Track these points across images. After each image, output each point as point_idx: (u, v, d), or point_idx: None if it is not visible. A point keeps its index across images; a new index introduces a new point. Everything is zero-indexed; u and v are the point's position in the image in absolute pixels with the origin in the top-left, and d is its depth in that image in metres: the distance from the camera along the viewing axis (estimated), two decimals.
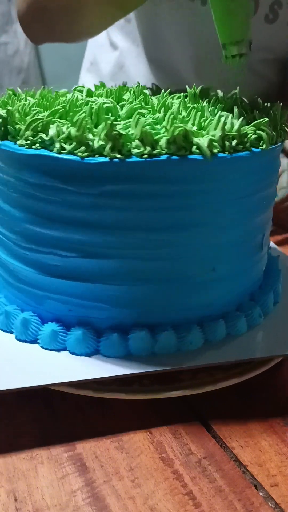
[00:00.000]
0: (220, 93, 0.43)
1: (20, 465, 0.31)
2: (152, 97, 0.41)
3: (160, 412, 0.35)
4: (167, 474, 0.31)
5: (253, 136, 0.33)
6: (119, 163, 0.30)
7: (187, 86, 0.42)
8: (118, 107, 0.37)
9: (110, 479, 0.30)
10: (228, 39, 0.37)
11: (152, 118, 0.34)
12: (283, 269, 0.45)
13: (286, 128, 0.37)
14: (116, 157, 0.30)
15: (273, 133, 0.34)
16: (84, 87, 0.44)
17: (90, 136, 0.31)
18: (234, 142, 0.32)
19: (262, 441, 0.33)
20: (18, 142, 0.33)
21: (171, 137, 0.30)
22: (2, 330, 0.38)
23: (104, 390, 0.33)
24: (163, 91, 0.42)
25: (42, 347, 0.36)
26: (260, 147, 0.33)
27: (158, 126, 0.33)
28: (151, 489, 0.30)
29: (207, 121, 0.33)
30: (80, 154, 0.31)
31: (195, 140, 0.31)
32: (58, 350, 0.36)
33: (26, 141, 0.32)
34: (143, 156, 0.30)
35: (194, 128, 0.33)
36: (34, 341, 0.36)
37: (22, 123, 0.33)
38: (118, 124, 0.32)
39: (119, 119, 0.34)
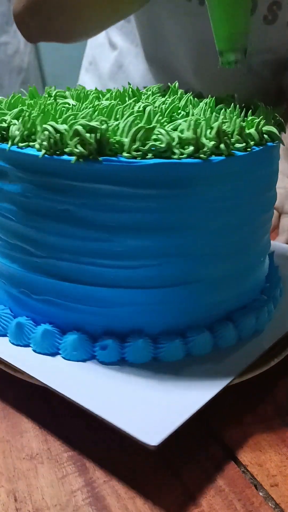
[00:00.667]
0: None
1: (20, 465, 0.31)
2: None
3: None
4: (167, 474, 0.31)
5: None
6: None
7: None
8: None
9: (110, 479, 0.30)
10: (225, 46, 0.37)
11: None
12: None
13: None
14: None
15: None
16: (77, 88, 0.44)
17: (203, 139, 0.31)
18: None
19: (262, 441, 0.33)
20: (125, 154, 0.30)
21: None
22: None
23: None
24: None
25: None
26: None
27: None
28: (151, 489, 0.30)
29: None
30: (200, 155, 0.31)
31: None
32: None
33: (136, 152, 0.30)
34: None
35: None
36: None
37: (123, 136, 0.31)
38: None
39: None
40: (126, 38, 0.73)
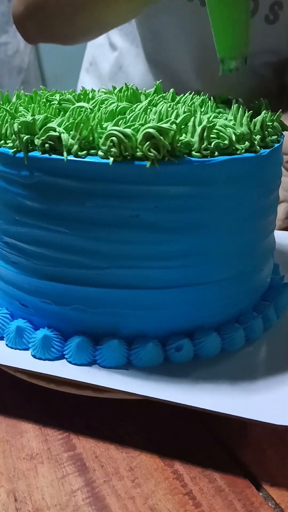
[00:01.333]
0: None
1: (20, 465, 0.31)
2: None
3: (159, 413, 0.35)
4: (167, 474, 0.31)
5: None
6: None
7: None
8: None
9: (110, 479, 0.30)
10: (226, 54, 0.38)
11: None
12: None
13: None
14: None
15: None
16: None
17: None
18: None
19: (262, 441, 0.33)
20: (196, 154, 0.31)
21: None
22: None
23: (104, 390, 0.33)
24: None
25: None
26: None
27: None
28: (151, 489, 0.30)
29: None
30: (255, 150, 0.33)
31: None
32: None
33: (205, 151, 0.31)
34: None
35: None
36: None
37: (192, 136, 0.31)
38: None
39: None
40: (127, 39, 0.73)
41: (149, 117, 0.33)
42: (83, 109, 0.34)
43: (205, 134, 0.31)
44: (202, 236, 0.33)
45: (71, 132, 0.31)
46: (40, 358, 0.34)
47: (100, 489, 0.30)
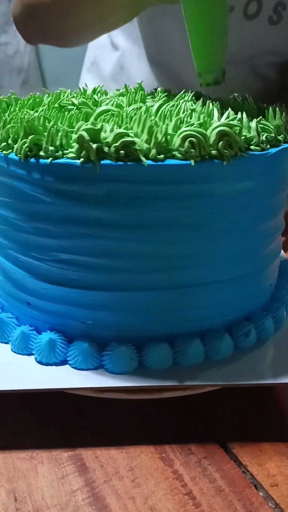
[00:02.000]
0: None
1: (20, 465, 0.31)
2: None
3: (160, 413, 0.35)
4: (167, 474, 0.31)
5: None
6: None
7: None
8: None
9: (110, 479, 0.30)
10: (204, 68, 0.39)
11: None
12: None
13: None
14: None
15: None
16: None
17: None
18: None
19: (262, 441, 0.33)
20: (255, 147, 0.32)
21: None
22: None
23: (104, 390, 0.33)
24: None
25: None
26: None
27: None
28: (151, 489, 0.30)
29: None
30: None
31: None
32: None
33: (262, 144, 0.33)
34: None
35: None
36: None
37: (249, 132, 0.33)
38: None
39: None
40: (129, 39, 0.73)
41: (192, 117, 0.34)
42: (116, 113, 0.34)
43: (259, 128, 0.33)
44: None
45: (142, 137, 0.30)
46: (112, 372, 0.34)
47: (100, 489, 0.30)
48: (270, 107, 0.36)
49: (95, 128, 0.30)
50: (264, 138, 0.33)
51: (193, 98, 0.41)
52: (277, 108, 0.36)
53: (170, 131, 0.31)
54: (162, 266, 0.33)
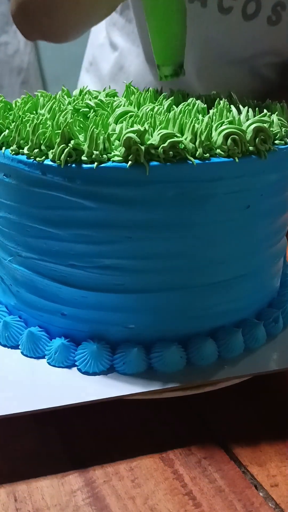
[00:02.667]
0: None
1: (20, 465, 0.31)
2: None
3: (160, 413, 0.35)
4: (167, 474, 0.31)
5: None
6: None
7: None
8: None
9: (110, 479, 0.30)
10: (162, 61, 0.41)
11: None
12: None
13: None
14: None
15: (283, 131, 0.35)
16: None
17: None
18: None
19: (262, 441, 0.33)
20: (280, 142, 0.34)
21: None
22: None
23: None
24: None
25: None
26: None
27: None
28: (151, 489, 0.30)
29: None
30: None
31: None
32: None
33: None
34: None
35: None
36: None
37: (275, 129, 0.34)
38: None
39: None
40: (127, 39, 0.73)
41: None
42: (135, 113, 0.34)
43: (280, 123, 0.34)
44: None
45: (187, 136, 0.31)
46: (163, 372, 0.34)
47: (100, 489, 0.30)
48: (278, 103, 0.37)
49: (141, 130, 0.30)
50: (283, 133, 0.34)
51: (195, 97, 0.41)
52: (283, 104, 0.37)
53: (212, 130, 0.32)
54: (208, 264, 0.34)
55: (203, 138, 0.30)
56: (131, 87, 0.43)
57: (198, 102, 0.37)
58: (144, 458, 0.32)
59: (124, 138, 0.29)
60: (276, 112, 0.37)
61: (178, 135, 0.30)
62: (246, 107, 0.36)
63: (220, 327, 0.36)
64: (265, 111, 0.36)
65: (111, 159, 0.30)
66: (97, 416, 0.35)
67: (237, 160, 0.31)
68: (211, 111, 0.35)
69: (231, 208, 0.33)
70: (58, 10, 0.54)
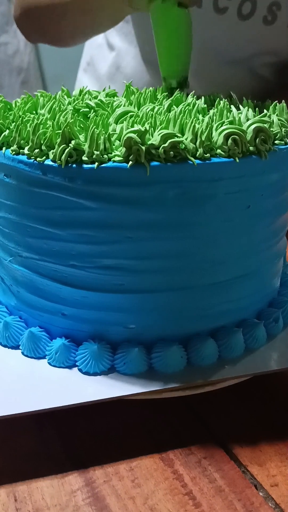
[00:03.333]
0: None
1: (20, 465, 0.31)
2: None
3: (160, 413, 0.35)
4: (167, 474, 0.31)
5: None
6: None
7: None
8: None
9: (110, 479, 0.30)
10: (168, 74, 0.42)
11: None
12: None
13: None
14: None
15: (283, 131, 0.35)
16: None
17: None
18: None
19: (262, 441, 0.33)
20: (280, 142, 0.34)
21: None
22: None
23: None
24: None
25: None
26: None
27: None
28: (151, 489, 0.30)
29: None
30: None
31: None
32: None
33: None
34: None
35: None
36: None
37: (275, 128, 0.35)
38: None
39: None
40: (125, 39, 0.73)
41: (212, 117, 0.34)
42: (135, 113, 0.34)
43: (280, 123, 0.35)
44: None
45: (187, 136, 0.31)
46: (164, 372, 0.34)
47: (100, 489, 0.30)
48: (277, 103, 0.37)
49: (142, 130, 0.30)
50: (284, 133, 0.34)
51: (193, 97, 0.41)
52: (282, 104, 0.37)
53: (213, 130, 0.32)
54: (208, 264, 0.34)
55: (203, 138, 0.30)
56: (131, 87, 0.43)
57: (198, 102, 0.37)
58: (144, 458, 0.32)
59: (125, 138, 0.29)
60: (276, 112, 0.37)
61: (179, 135, 0.30)
62: (246, 107, 0.35)
63: (220, 327, 0.36)
64: (265, 111, 0.36)
65: (111, 159, 0.30)
66: (97, 416, 0.35)
67: (237, 160, 0.31)
68: (211, 111, 0.35)
69: (232, 208, 0.33)
70: (67, 18, 0.54)
